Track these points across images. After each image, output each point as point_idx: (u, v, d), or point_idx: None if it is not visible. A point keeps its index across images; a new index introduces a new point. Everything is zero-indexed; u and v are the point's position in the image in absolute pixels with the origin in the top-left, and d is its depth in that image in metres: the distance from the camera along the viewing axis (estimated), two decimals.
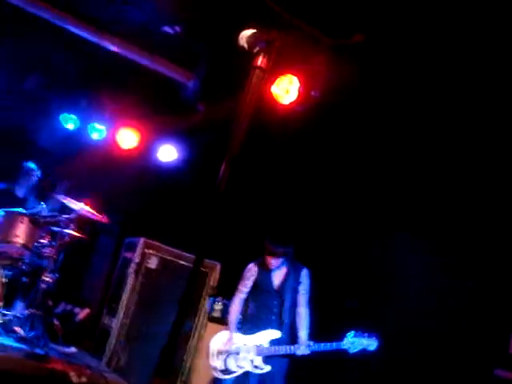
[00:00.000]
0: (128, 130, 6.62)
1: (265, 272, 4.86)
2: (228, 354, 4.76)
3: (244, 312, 4.97)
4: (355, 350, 4.38)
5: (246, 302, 4.95)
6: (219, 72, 5.80)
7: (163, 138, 6.75)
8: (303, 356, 4.50)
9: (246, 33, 2.86)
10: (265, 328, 4.74)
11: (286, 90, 4.67)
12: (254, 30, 2.83)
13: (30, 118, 6.55)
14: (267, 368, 4.62)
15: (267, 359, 4.65)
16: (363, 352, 4.37)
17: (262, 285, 4.87)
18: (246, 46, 2.87)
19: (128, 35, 5.95)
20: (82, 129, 6.69)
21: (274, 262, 4.77)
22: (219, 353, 4.81)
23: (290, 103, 4.70)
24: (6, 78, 6.36)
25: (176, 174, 6.85)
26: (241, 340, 4.77)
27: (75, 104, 6.52)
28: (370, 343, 4.39)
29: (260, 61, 2.78)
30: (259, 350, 4.67)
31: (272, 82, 4.65)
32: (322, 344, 4.48)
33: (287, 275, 4.82)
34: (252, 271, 4.92)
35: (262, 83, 2.80)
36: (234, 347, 4.75)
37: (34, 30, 5.91)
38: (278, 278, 4.84)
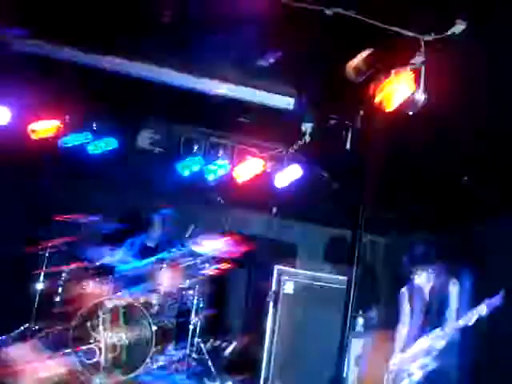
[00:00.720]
0: (246, 162, 6.80)
1: None
2: None
3: None
4: None
5: None
6: (323, 92, 5.88)
7: (280, 164, 6.86)
8: None
9: (354, 62, 2.89)
10: None
11: (392, 94, 4.61)
12: (362, 58, 2.85)
13: (150, 170, 6.92)
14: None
15: None
16: None
17: None
18: (355, 74, 2.90)
19: (223, 74, 6.18)
20: (199, 172, 6.97)
21: None
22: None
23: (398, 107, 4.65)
24: (124, 138, 6.79)
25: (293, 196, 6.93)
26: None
27: (189, 149, 6.81)
28: None
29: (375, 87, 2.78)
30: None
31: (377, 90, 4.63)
32: None
33: None
34: None
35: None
36: None
37: (131, 91, 6.31)
38: None
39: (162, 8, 5.22)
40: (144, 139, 6.73)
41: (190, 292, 5.64)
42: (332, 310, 5.93)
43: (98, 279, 5.52)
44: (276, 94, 6.27)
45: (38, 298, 5.40)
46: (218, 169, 6.68)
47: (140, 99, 6.40)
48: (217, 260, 5.71)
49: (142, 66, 6.09)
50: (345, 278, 6.15)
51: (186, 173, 6.85)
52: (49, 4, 5.35)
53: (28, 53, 6.02)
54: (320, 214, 6.86)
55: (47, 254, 5.48)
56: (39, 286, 5.42)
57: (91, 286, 5.41)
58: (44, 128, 6.53)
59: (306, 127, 6.46)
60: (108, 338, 4.99)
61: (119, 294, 5.69)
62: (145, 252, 6.14)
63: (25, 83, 6.28)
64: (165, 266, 5.51)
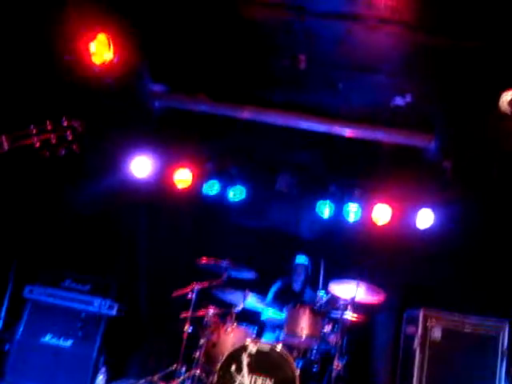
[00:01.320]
0: (382, 205, 6.71)
1: None
2: None
3: None
4: None
5: None
6: (460, 128, 5.69)
7: (417, 204, 6.69)
8: None
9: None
10: None
11: None
12: None
13: (288, 214, 7.01)
14: None
15: None
16: None
17: None
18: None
19: (357, 116, 6.17)
20: (337, 213, 6.95)
21: None
22: None
23: None
24: (261, 183, 6.95)
25: (434, 239, 6.67)
26: None
27: (325, 191, 6.84)
28: None
29: None
30: None
31: None
32: None
33: None
34: None
35: None
36: None
37: (266, 138, 6.48)
38: None
39: (296, 54, 5.37)
40: (282, 183, 6.84)
41: (332, 337, 5.51)
42: (486, 358, 5.55)
43: (240, 323, 5.56)
44: (414, 132, 6.16)
45: (183, 340, 5.53)
46: (355, 210, 6.63)
47: (276, 145, 6.56)
48: (359, 305, 5.56)
49: (278, 114, 6.26)
50: (503, 321, 5.75)
51: (326, 214, 6.86)
52: (185, 61, 5.69)
53: (169, 106, 6.40)
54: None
55: (192, 297, 5.62)
56: (185, 328, 5.54)
57: (234, 330, 5.46)
58: (185, 177, 6.86)
59: (446, 165, 6.25)
60: (252, 381, 4.98)
61: (262, 338, 5.69)
62: (287, 297, 6.14)
63: (166, 135, 6.65)
64: (307, 310, 5.45)
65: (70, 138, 2.09)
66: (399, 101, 5.87)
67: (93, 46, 4.98)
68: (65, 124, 2.08)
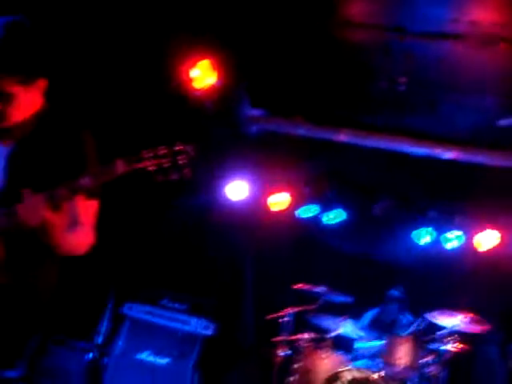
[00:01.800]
0: (487, 230, 6.42)
1: None
2: None
3: None
4: None
5: None
6: None
7: None
8: None
9: None
10: None
11: None
12: None
13: (384, 239, 6.87)
14: None
15: None
16: None
17: None
18: None
19: (459, 138, 5.96)
20: (435, 241, 6.73)
21: None
22: None
23: None
24: (358, 208, 6.87)
25: None
26: None
27: (424, 217, 6.65)
28: None
29: None
30: None
31: None
32: None
33: None
34: None
35: None
36: None
37: (364, 161, 6.39)
38: None
39: (396, 76, 5.27)
40: (379, 207, 6.71)
41: (431, 369, 5.30)
42: None
43: (334, 350, 5.48)
44: None
45: (276, 364, 5.50)
46: (456, 236, 6.39)
47: (374, 168, 6.45)
48: (460, 336, 5.32)
49: (376, 137, 6.16)
50: None
51: (423, 241, 6.67)
52: (283, 85, 5.73)
53: (266, 130, 6.47)
54: None
55: (285, 322, 5.60)
56: (278, 353, 5.52)
57: (329, 357, 5.37)
58: (281, 200, 6.88)
59: None
60: None
61: (356, 365, 5.57)
62: (383, 326, 6.00)
63: (263, 159, 6.71)
64: (405, 340, 5.29)
65: (182, 162, 2.13)
66: (504, 122, 5.64)
67: (194, 72, 5.13)
68: (177, 149, 2.13)
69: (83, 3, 4.63)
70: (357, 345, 5.86)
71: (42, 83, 2.48)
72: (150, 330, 6.09)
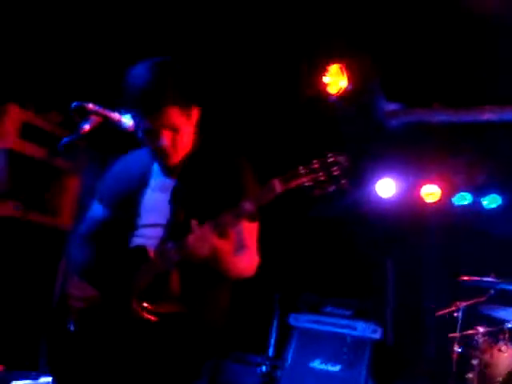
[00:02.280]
0: None
1: None
2: None
3: None
4: None
5: None
6: None
7: None
8: None
9: None
10: None
11: None
12: None
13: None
14: None
15: None
16: None
17: None
18: None
19: None
20: None
21: None
22: None
23: None
24: None
25: None
26: None
27: None
28: None
29: None
30: None
31: None
32: None
33: None
34: None
35: None
36: None
37: None
38: None
39: None
40: None
41: None
42: None
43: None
44: None
45: (455, 361, 5.30)
46: None
47: None
48: None
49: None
50: None
51: None
52: (416, 75, 5.55)
53: (405, 123, 6.30)
54: None
55: (458, 316, 5.38)
56: (455, 349, 5.31)
57: (508, 349, 5.07)
58: (433, 191, 6.67)
59: None
60: None
61: None
62: None
63: (407, 152, 6.54)
64: None
65: (337, 173, 2.11)
66: None
67: (327, 78, 5.14)
68: (331, 160, 2.11)
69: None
70: None
71: (196, 112, 2.57)
72: (318, 338, 6.14)
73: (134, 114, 2.44)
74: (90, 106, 2.39)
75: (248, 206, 2.21)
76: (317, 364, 6.00)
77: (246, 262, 2.54)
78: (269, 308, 6.64)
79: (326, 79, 5.17)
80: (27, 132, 5.24)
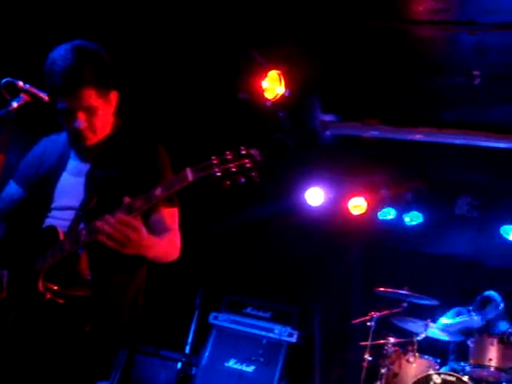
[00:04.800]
0: None
1: None
2: None
3: None
4: None
5: None
6: None
7: None
8: None
9: None
10: None
11: None
12: None
13: (469, 239, 6.65)
14: None
15: None
16: None
17: None
18: None
19: None
20: None
21: None
22: None
23: None
24: (439, 208, 6.73)
25: None
26: None
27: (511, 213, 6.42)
28: None
29: None
30: None
31: None
32: None
33: None
34: None
35: None
36: None
37: (442, 160, 6.24)
38: None
39: (469, 70, 5.14)
40: (462, 206, 6.55)
41: None
42: None
43: (421, 353, 5.37)
44: None
45: (363, 369, 5.46)
46: None
47: (454, 166, 6.30)
48: None
49: (452, 134, 6.01)
50: None
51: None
52: (354, 88, 5.70)
53: (340, 134, 6.46)
54: None
55: (371, 326, 5.55)
56: (365, 357, 5.47)
57: (417, 360, 5.28)
58: (360, 204, 6.85)
59: None
60: None
61: (445, 368, 5.44)
62: (469, 329, 5.78)
63: (338, 163, 6.69)
64: (495, 341, 5.12)
65: (248, 165, 2.14)
66: None
67: (265, 83, 5.21)
68: (243, 153, 2.14)
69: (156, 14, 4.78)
70: (446, 346, 5.70)
71: (114, 96, 2.58)
72: (235, 339, 6.20)
73: (52, 94, 2.43)
74: (20, 83, 2.37)
75: (158, 192, 2.21)
76: (232, 363, 6.05)
77: (168, 243, 2.51)
78: (189, 305, 6.65)
79: (264, 84, 5.23)
80: None
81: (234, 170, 2.11)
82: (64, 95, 2.41)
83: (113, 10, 4.56)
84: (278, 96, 5.27)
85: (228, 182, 2.13)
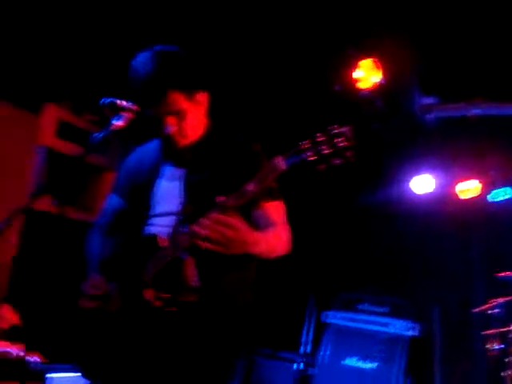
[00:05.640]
0: None
1: None
2: None
3: None
4: None
5: None
6: None
7: None
8: None
9: None
10: None
11: None
12: None
13: None
14: None
15: None
16: None
17: None
18: None
19: None
20: None
21: None
22: None
23: None
24: None
25: None
26: None
27: None
28: None
29: None
30: None
31: None
32: None
33: None
34: None
35: None
36: None
37: None
38: None
39: None
40: None
41: None
42: None
43: None
44: None
45: (490, 359, 5.16)
46: None
47: None
48: None
49: None
50: None
51: None
52: (452, 68, 5.44)
53: (442, 117, 6.18)
54: None
55: (494, 314, 5.25)
56: (490, 346, 5.17)
57: None
58: (470, 187, 6.52)
59: None
60: None
61: None
62: None
63: (443, 147, 6.41)
64: None
65: (342, 145, 2.02)
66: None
67: (359, 73, 5.08)
68: (335, 132, 2.03)
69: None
70: None
71: (203, 97, 2.56)
72: (353, 336, 6.08)
73: (139, 102, 2.43)
74: (121, 102, 2.40)
75: (251, 186, 2.16)
76: (351, 361, 5.93)
77: (274, 237, 2.44)
78: (302, 305, 6.61)
79: (357, 74, 5.11)
80: (63, 130, 5.37)
81: (327, 151, 2.01)
82: (151, 102, 2.42)
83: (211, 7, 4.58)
84: (374, 85, 5.13)
85: (323, 166, 2.03)
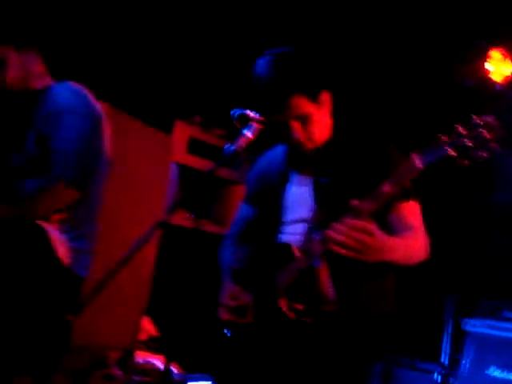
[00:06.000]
0: None
1: None
2: None
3: None
4: None
5: None
6: None
7: None
8: None
9: None
10: None
11: None
12: None
13: None
14: None
15: None
16: None
17: None
18: None
19: None
20: None
21: None
22: None
23: None
24: None
25: None
26: None
27: None
28: None
29: None
30: None
31: None
32: None
33: None
34: None
35: None
36: None
37: None
38: None
39: None
40: None
41: None
42: None
43: None
44: None
45: None
46: None
47: None
48: None
49: None
50: None
51: None
52: None
53: None
54: None
55: None
56: None
57: None
58: None
59: None
60: None
61: None
62: None
63: None
64: None
65: (487, 136, 1.83)
66: None
67: (489, 66, 4.84)
68: (477, 122, 1.86)
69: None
70: None
71: (326, 97, 2.49)
72: (496, 345, 5.72)
73: (264, 109, 2.40)
74: (251, 113, 2.39)
75: (387, 188, 2.05)
76: (494, 371, 5.59)
77: (413, 243, 2.32)
78: (439, 312, 6.33)
79: (488, 66, 4.86)
80: (194, 146, 5.56)
81: (470, 144, 1.84)
82: (275, 109, 2.39)
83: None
84: (507, 76, 4.86)
85: (466, 162, 1.86)
